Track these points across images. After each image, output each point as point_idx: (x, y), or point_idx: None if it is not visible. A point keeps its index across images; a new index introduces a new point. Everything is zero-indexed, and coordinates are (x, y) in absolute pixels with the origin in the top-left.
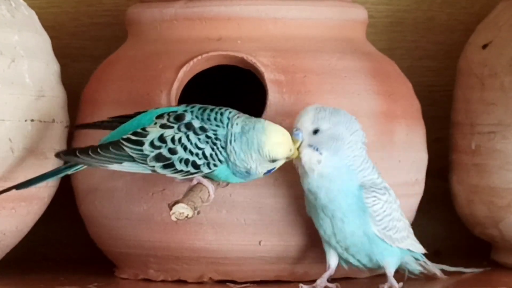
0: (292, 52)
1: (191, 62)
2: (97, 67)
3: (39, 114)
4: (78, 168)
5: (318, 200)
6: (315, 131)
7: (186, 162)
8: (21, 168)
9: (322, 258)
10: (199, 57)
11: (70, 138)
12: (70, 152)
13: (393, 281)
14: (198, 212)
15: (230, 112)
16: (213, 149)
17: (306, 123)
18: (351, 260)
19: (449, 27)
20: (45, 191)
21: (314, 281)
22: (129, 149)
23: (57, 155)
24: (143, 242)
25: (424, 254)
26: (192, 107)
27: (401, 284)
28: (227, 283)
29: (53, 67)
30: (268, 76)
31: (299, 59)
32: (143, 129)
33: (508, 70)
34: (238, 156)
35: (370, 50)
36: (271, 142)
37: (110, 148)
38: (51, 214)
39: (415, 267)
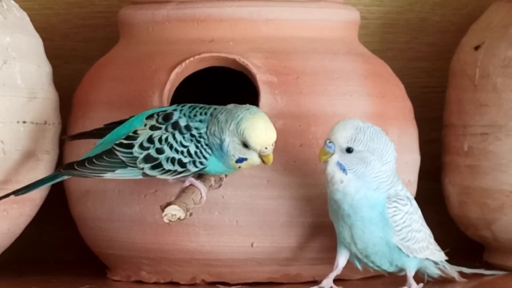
0: (284, 53)
1: (184, 64)
2: (89, 69)
3: (31, 116)
4: None
5: (341, 210)
6: (348, 150)
7: (173, 161)
8: (13, 170)
9: (315, 259)
10: (192, 59)
11: (62, 140)
12: (69, 166)
13: (412, 282)
14: (191, 214)
15: (215, 108)
16: (197, 147)
17: (341, 139)
18: (371, 265)
19: (441, 28)
20: (37, 193)
21: (316, 282)
22: (120, 154)
23: (57, 171)
24: (135, 244)
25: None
26: (182, 106)
27: (421, 285)
28: (219, 285)
29: (45, 68)
30: (261, 78)
31: (291, 60)
32: (135, 132)
33: (500, 71)
34: (220, 123)
35: (363, 52)
36: (251, 124)
37: (104, 157)
38: (43, 216)
39: (434, 271)
